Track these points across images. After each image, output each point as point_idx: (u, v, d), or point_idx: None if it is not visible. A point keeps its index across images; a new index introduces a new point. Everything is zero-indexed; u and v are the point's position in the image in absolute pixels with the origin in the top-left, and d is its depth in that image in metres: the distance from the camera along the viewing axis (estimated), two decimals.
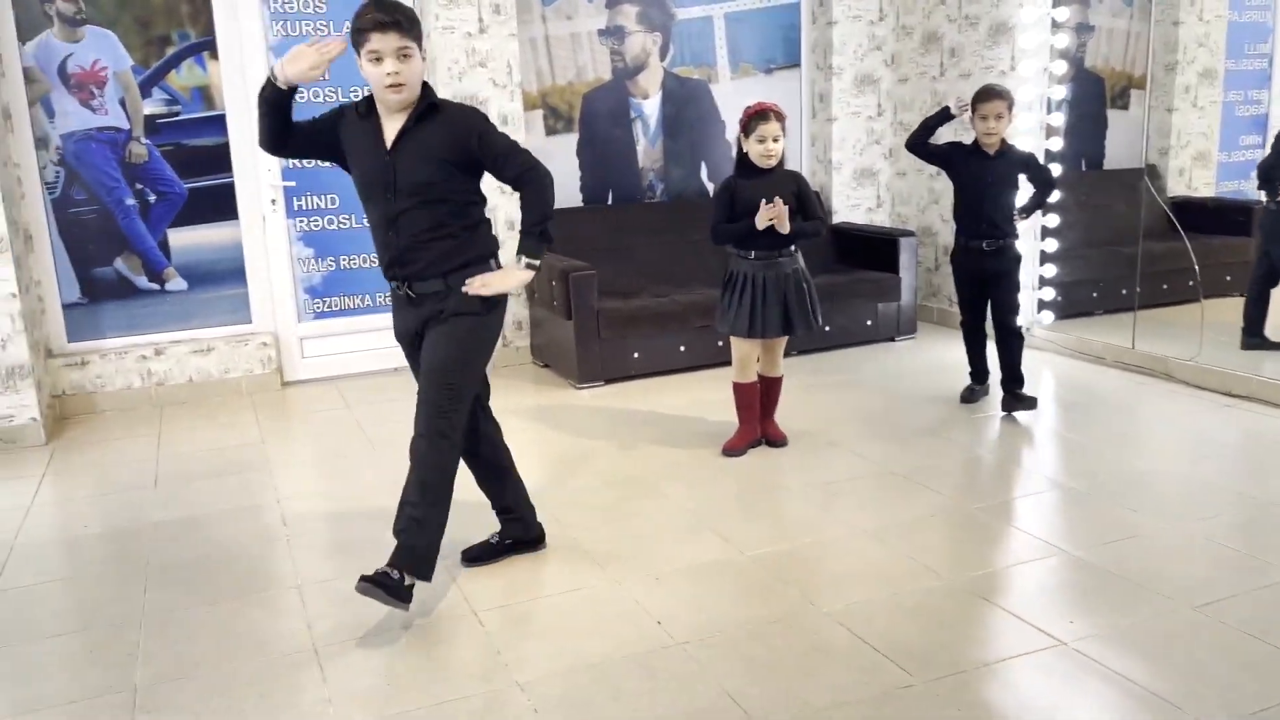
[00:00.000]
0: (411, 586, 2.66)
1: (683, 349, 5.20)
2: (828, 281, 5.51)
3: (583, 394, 4.99)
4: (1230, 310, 4.95)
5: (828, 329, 5.49)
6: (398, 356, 5.73)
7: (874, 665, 2.41)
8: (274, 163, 5.13)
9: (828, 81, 6.10)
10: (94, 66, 4.79)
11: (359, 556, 3.11)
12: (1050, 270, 5.41)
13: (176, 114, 4.97)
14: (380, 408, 4.86)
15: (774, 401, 4.10)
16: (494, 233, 2.83)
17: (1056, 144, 5.32)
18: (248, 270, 5.21)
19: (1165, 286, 5.28)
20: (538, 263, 2.69)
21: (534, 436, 4.34)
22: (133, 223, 4.97)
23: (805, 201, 3.82)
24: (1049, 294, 5.47)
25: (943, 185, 5.56)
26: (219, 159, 5.07)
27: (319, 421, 4.71)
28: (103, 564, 3.18)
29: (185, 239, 5.09)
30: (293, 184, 5.19)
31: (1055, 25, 5.22)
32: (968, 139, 4.26)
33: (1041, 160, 5.04)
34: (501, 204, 5.31)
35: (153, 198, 4.99)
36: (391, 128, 2.63)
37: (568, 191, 5.74)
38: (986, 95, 4.11)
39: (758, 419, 4.04)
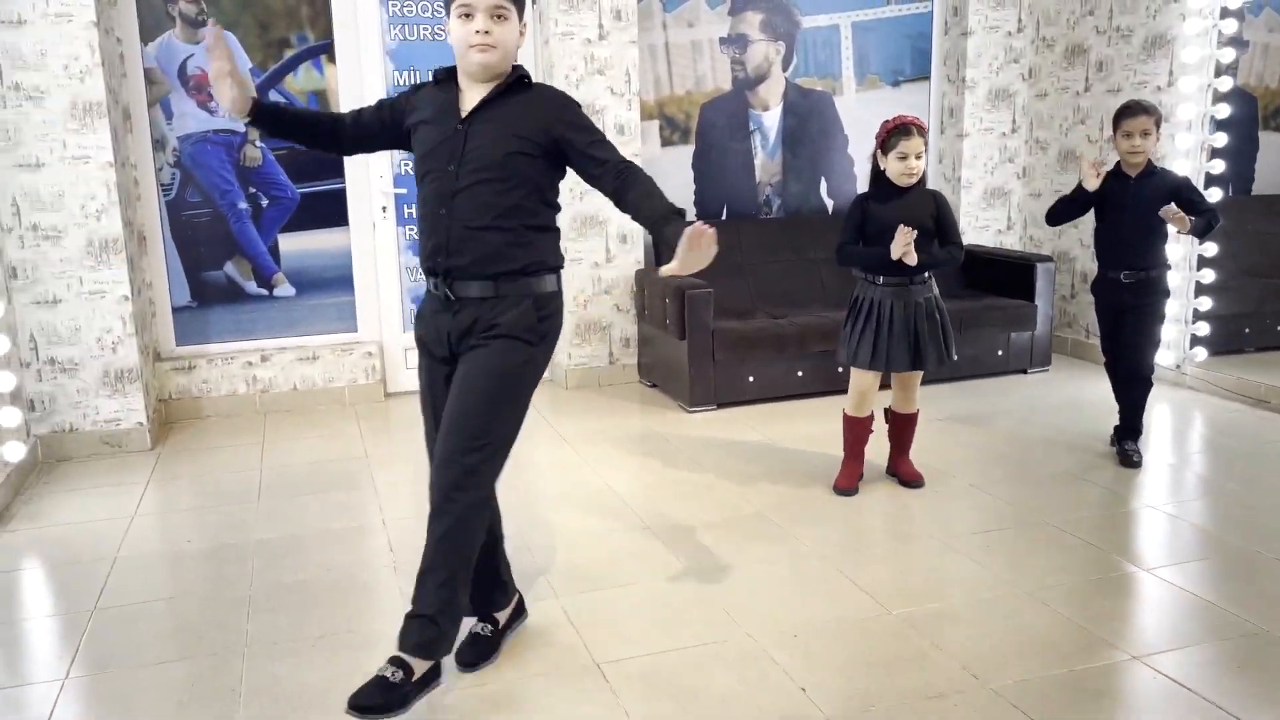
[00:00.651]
0: (422, 681, 2.25)
1: (800, 374, 4.92)
2: (956, 308, 5.15)
3: (694, 418, 4.74)
4: None
5: (955, 358, 5.16)
6: None
7: None
8: (386, 169, 5.02)
9: (959, 95, 5.76)
10: None
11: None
12: (1205, 303, 4.97)
13: None
14: None
15: (908, 439, 3.79)
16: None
17: (1218, 166, 4.88)
18: (355, 278, 5.10)
19: None
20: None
21: (643, 464, 4.10)
22: (244, 227, 4.91)
23: (944, 224, 3.52)
24: (1203, 329, 5.02)
25: None
26: (332, 164, 4.97)
27: (422, 438, 4.54)
28: (205, 584, 3.04)
29: (295, 244, 5.00)
30: (404, 191, 5.07)
31: (1221, 39, 4.80)
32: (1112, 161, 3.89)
33: (1200, 185, 4.63)
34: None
35: (265, 202, 4.92)
36: (472, 98, 2.30)
37: (680, 204, 5.49)
38: (1131, 110, 3.72)
39: (863, 455, 3.75)
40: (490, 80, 2.30)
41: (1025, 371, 5.32)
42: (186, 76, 4.71)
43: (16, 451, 3.62)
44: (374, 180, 5.02)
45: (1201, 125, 4.87)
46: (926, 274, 3.54)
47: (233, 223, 4.89)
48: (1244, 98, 5.40)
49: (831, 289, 5.31)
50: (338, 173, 4.98)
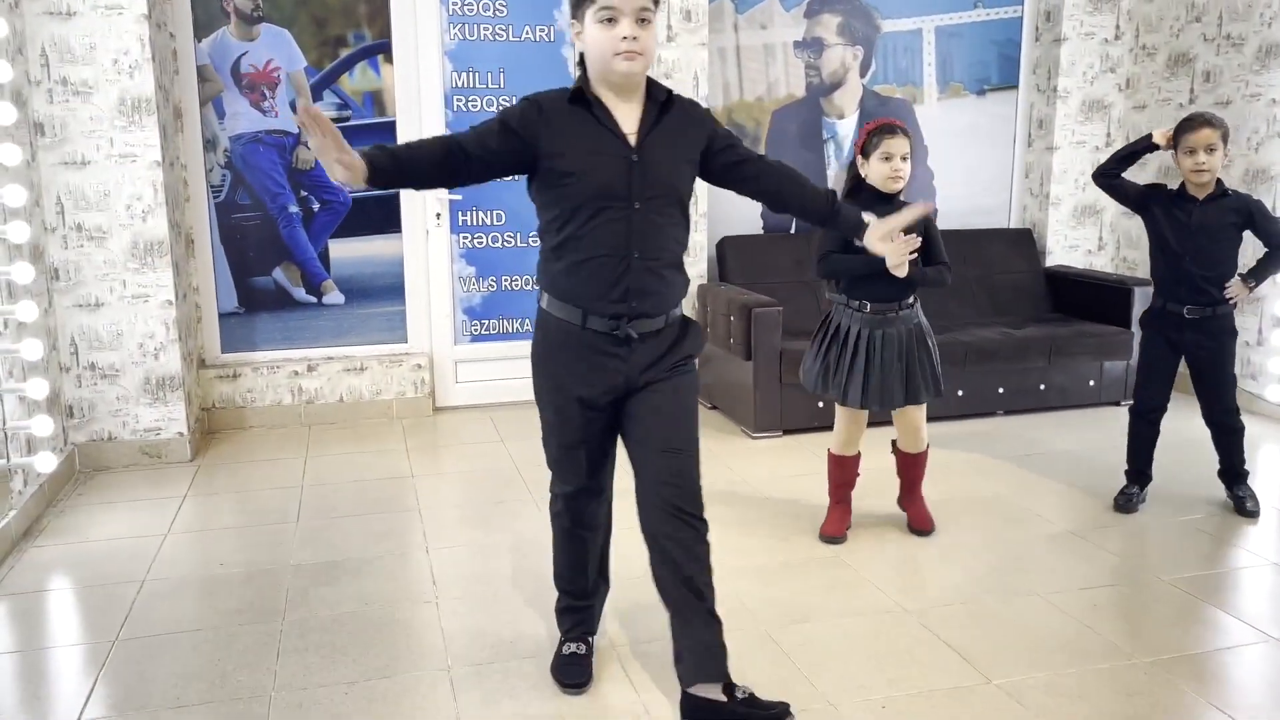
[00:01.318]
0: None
1: None
2: (1044, 333, 4.82)
3: (758, 444, 4.44)
4: None
5: (1042, 387, 4.81)
6: None
7: None
8: None
9: (1050, 106, 5.40)
10: (267, 67, 4.57)
11: (514, 636, 2.66)
12: None
13: (347, 119, 4.71)
14: (536, 445, 4.36)
15: (918, 479, 3.42)
16: None
17: None
18: (407, 287, 4.89)
19: None
20: None
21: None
22: (295, 231, 4.72)
23: (931, 241, 3.14)
24: None
25: None
26: None
27: (471, 456, 4.31)
28: (235, 615, 2.82)
29: (346, 251, 4.81)
30: (459, 198, 4.85)
31: None
32: (1174, 182, 3.48)
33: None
34: None
35: (316, 206, 4.73)
36: (628, 116, 2.09)
37: (747, 217, 5.22)
38: (1194, 123, 3.29)
39: (850, 498, 3.41)
40: (633, 93, 2.10)
41: (1119, 404, 4.92)
42: (240, 74, 4.54)
43: (48, 463, 3.46)
44: None
45: None
46: (912, 298, 3.19)
47: (283, 227, 4.71)
48: None
49: None
50: None
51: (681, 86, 4.80)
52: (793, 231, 5.33)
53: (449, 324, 4.97)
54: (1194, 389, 3.54)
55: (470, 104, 4.78)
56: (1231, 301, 3.40)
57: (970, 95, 5.49)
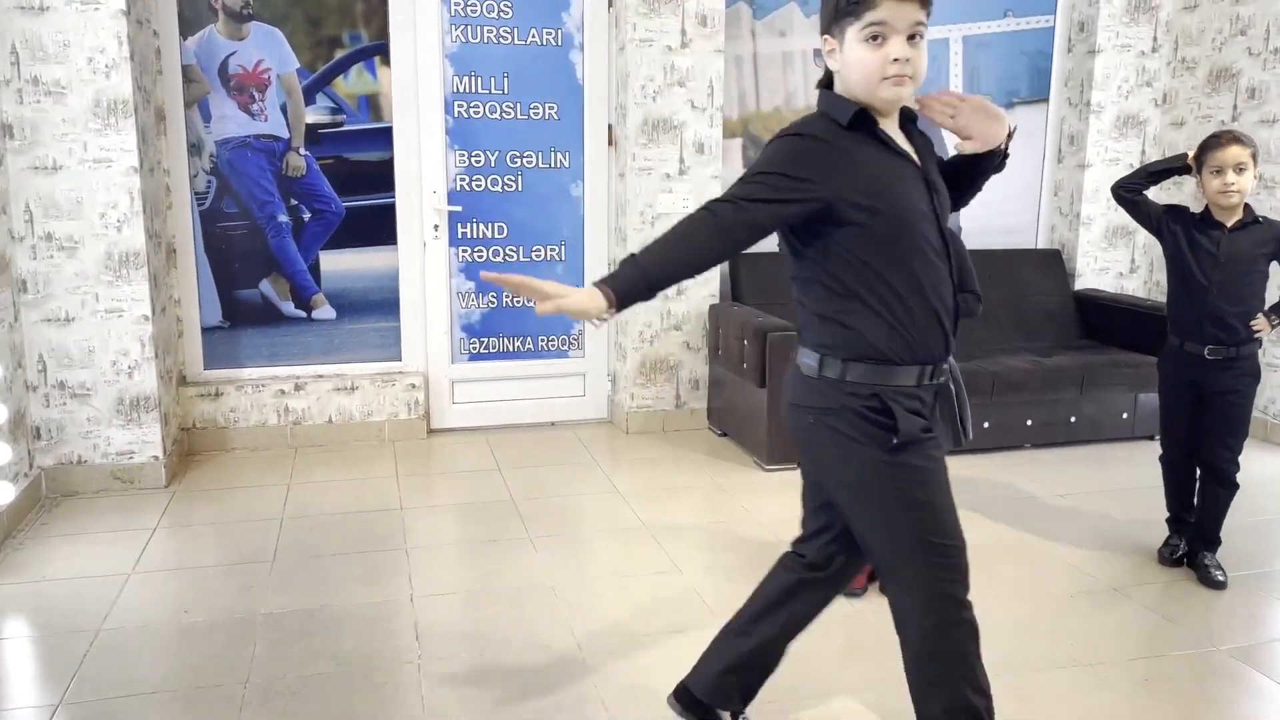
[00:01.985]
0: None
1: None
2: (1076, 362, 4.54)
3: (770, 478, 4.16)
4: None
5: (1073, 420, 4.53)
6: (554, 410, 5.16)
7: None
8: (441, 184, 4.55)
9: (1082, 121, 5.12)
10: (257, 68, 4.31)
11: (504, 708, 2.38)
12: None
13: (340, 124, 4.45)
14: (535, 474, 4.16)
15: None
16: None
17: None
18: (402, 302, 4.63)
19: None
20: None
21: (709, 530, 3.54)
22: (284, 242, 4.46)
23: (958, 267, 2.86)
24: None
25: None
26: (381, 176, 4.51)
27: (466, 486, 4.04)
28: (195, 673, 2.55)
29: (338, 263, 4.54)
30: (459, 209, 4.59)
31: None
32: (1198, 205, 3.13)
33: None
34: None
35: (307, 215, 4.47)
36: (896, 135, 1.85)
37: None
38: (1222, 141, 2.94)
39: None
40: (889, 115, 1.85)
41: (1153, 438, 4.64)
42: (228, 76, 4.28)
43: (6, 493, 3.19)
44: (427, 196, 4.54)
45: None
46: None
47: (271, 237, 4.45)
48: None
49: None
50: (387, 187, 4.52)
51: (696, 95, 4.54)
52: None
53: (446, 341, 4.70)
54: (1198, 430, 3.17)
55: (472, 109, 4.52)
56: (1258, 338, 3.08)
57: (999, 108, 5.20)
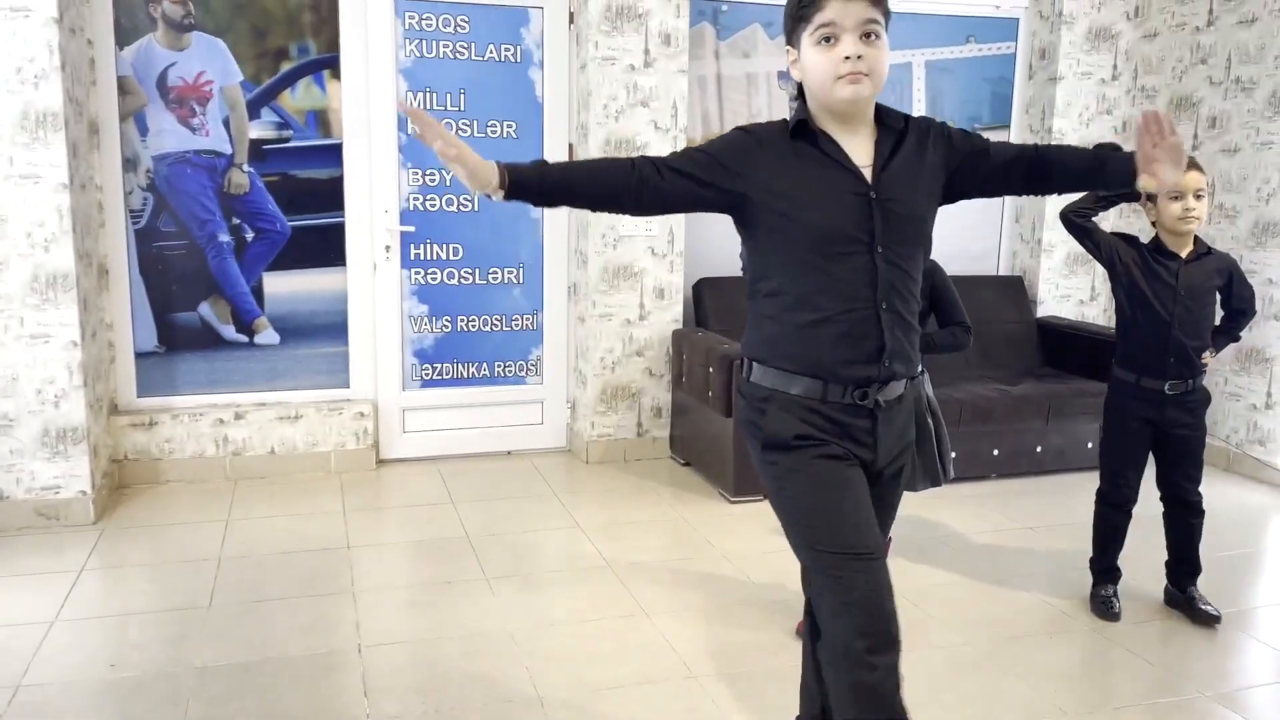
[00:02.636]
0: None
1: None
2: (1041, 390, 4.49)
3: (735, 510, 4.03)
4: None
5: (1039, 449, 4.47)
6: (511, 438, 4.97)
7: None
8: (393, 203, 4.36)
9: None
10: (198, 80, 4.10)
11: None
12: None
13: (287, 140, 4.25)
14: (491, 508, 3.98)
15: None
16: None
17: None
18: (351, 326, 4.42)
19: None
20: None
21: (675, 568, 3.39)
22: (225, 263, 4.24)
23: (942, 299, 2.77)
24: None
25: None
26: (330, 195, 4.32)
27: (417, 521, 3.85)
28: None
29: (282, 285, 4.33)
30: (412, 229, 4.41)
31: None
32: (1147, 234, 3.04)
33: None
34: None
35: (250, 235, 4.26)
36: (859, 149, 1.79)
37: (726, 258, 4.83)
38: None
39: None
40: (860, 121, 1.79)
41: None
42: (167, 88, 4.06)
43: None
44: (378, 215, 4.35)
45: None
46: (919, 368, 2.79)
47: (211, 258, 4.22)
48: None
49: None
50: (336, 205, 4.32)
51: (659, 116, 4.42)
52: None
53: (397, 367, 4.50)
54: (1158, 466, 3.09)
55: None
56: (1203, 368, 3.00)
57: None
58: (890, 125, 1.82)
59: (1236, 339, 3.18)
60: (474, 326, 4.59)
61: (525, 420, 4.75)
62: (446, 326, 4.56)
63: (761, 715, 2.50)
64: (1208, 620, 3.05)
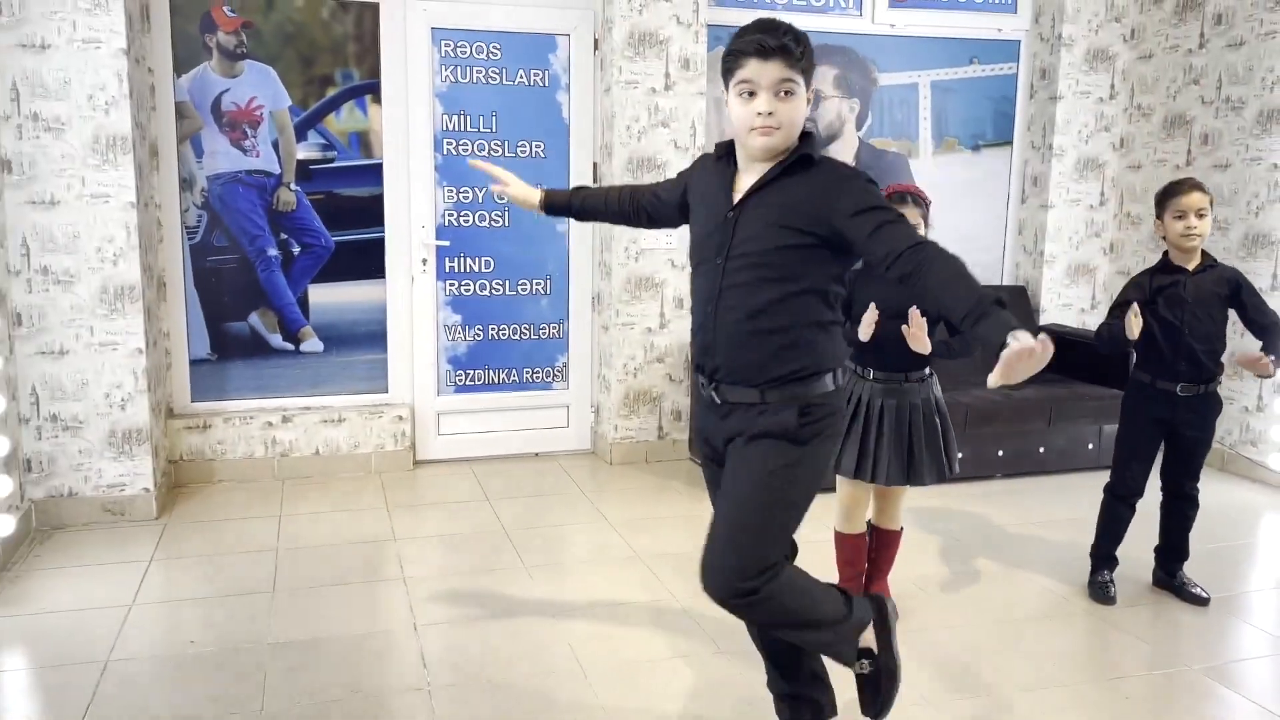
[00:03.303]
0: None
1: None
2: (1045, 394, 4.73)
3: None
4: None
5: (1041, 450, 4.71)
6: (538, 441, 5.26)
7: None
8: (430, 219, 4.64)
9: (1045, 163, 5.35)
10: (250, 104, 4.38)
11: None
12: None
13: (331, 160, 4.53)
14: (523, 505, 4.23)
15: (887, 561, 3.20)
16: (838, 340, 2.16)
17: None
18: (390, 335, 4.69)
19: None
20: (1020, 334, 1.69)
21: (697, 558, 3.62)
22: (273, 276, 4.52)
23: None
24: None
25: None
26: (371, 211, 4.59)
27: (458, 516, 4.10)
28: (211, 703, 2.59)
29: (326, 296, 4.60)
30: (447, 243, 4.68)
31: None
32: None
33: None
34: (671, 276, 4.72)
35: (297, 249, 4.53)
36: (747, 180, 2.05)
37: None
38: (1184, 187, 3.10)
39: (862, 576, 3.20)
40: (771, 159, 2.02)
41: None
42: (221, 112, 4.35)
43: (6, 526, 3.20)
44: (415, 230, 4.63)
45: None
46: (927, 370, 3.04)
47: (261, 271, 4.50)
48: None
49: None
50: (377, 221, 4.60)
51: (679, 135, 4.69)
52: None
53: (432, 374, 4.77)
54: (1164, 461, 3.34)
55: (461, 147, 4.63)
56: (1217, 374, 3.22)
57: (965, 151, 5.44)
58: (792, 164, 1.98)
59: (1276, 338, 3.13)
60: (504, 335, 4.85)
61: (552, 423, 5.00)
62: (479, 335, 4.82)
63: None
64: (1197, 601, 3.30)
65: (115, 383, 3.86)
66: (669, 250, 4.75)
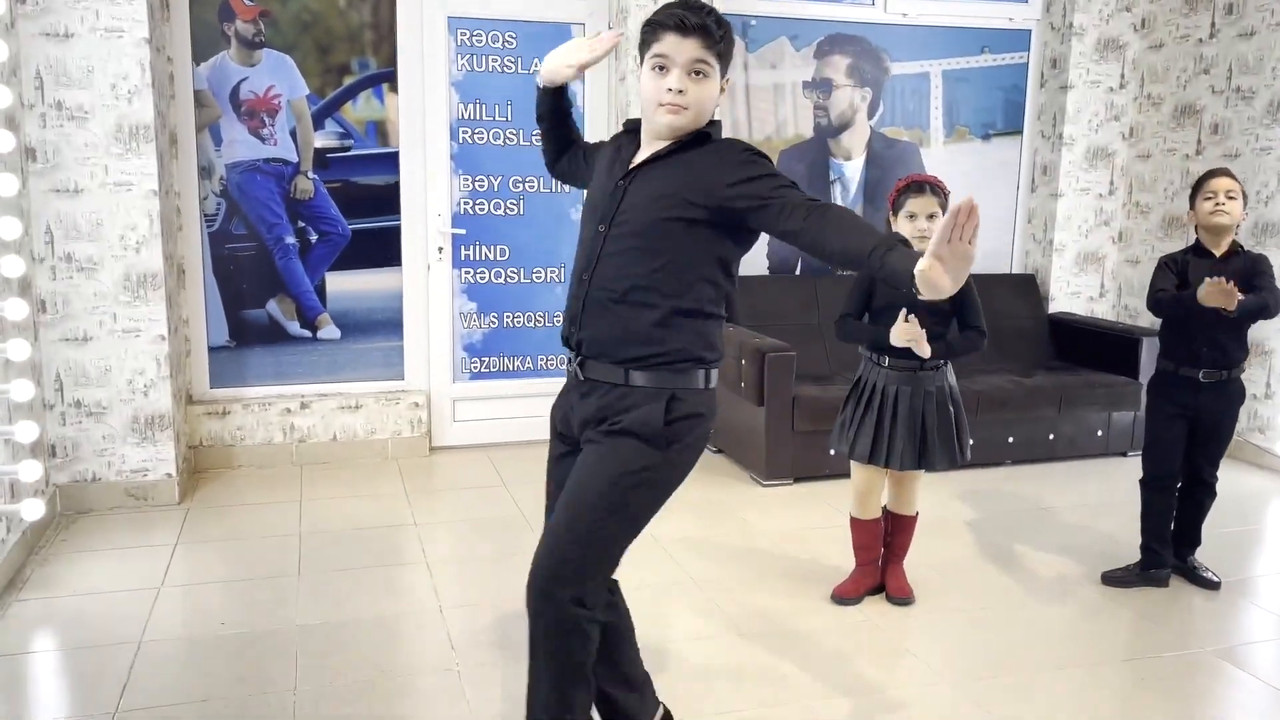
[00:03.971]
0: None
1: None
2: (1054, 382, 4.78)
3: (768, 492, 4.33)
4: None
5: (1051, 437, 4.76)
6: None
7: None
8: (445, 207, 4.67)
9: (1055, 152, 5.39)
10: (268, 93, 4.41)
11: None
12: None
13: (348, 148, 4.56)
14: (540, 490, 4.25)
15: (903, 546, 3.27)
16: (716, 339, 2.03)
17: None
18: (406, 322, 4.73)
19: None
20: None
21: (716, 543, 3.69)
22: (291, 263, 4.55)
23: (964, 303, 3.04)
24: None
25: None
26: (387, 200, 4.63)
27: (475, 502, 4.15)
28: (243, 683, 2.64)
29: (343, 284, 4.64)
30: (463, 231, 4.72)
31: None
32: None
33: None
34: None
35: (314, 237, 4.57)
36: (646, 152, 2.02)
37: (751, 257, 5.13)
38: (1215, 172, 3.17)
39: (878, 561, 3.27)
40: (673, 137, 1.98)
41: (1125, 454, 4.89)
42: (239, 101, 4.38)
43: (35, 510, 3.24)
44: (431, 219, 4.66)
45: None
46: (942, 359, 3.11)
47: (278, 258, 4.54)
48: None
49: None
50: (393, 210, 4.63)
51: None
52: (798, 273, 5.26)
53: (448, 361, 4.81)
54: (1186, 446, 3.35)
55: (476, 135, 4.66)
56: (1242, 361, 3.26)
57: (976, 140, 5.47)
58: (690, 139, 1.95)
59: (1259, 304, 3.11)
60: (519, 322, 4.89)
61: None
62: (494, 322, 4.86)
63: (805, 669, 2.80)
64: (1208, 585, 3.35)
65: (138, 369, 3.90)
66: None
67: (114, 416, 3.91)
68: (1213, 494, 3.41)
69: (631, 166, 2.01)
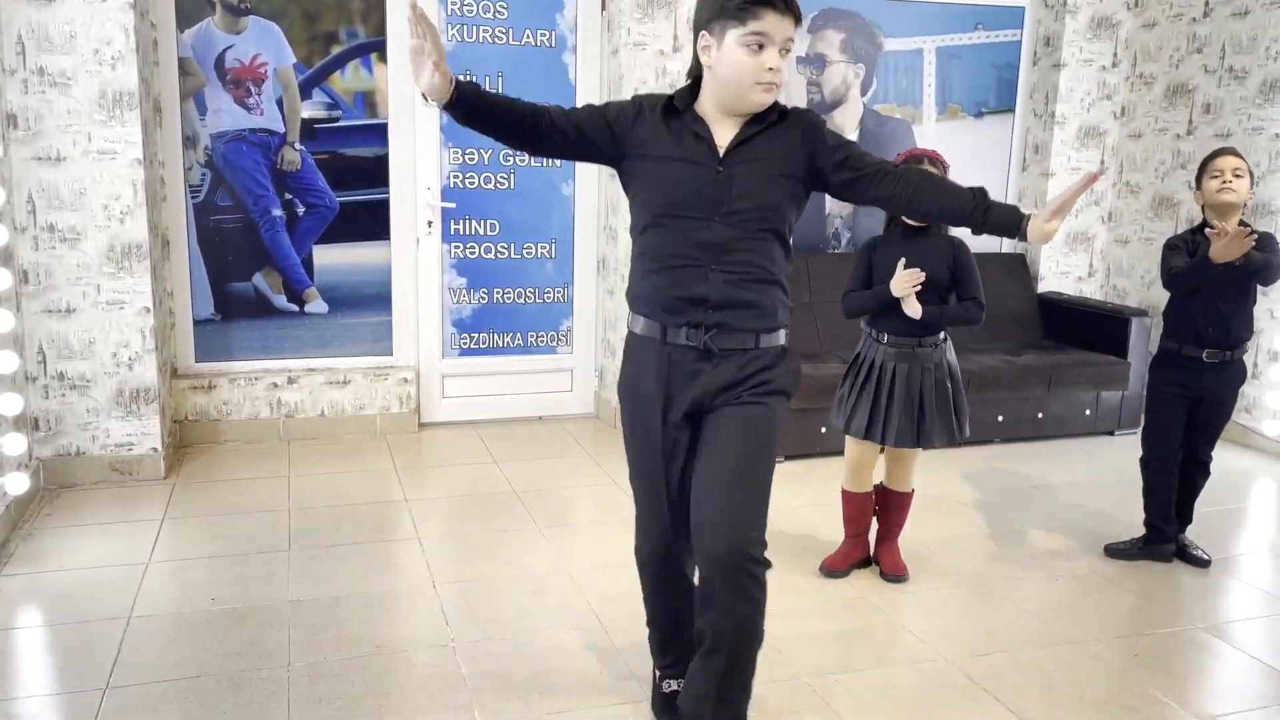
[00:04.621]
0: None
1: None
2: (1043, 361, 4.79)
3: None
4: None
5: (1040, 416, 4.78)
6: (542, 405, 5.26)
7: None
8: (435, 180, 4.61)
9: (1046, 131, 5.38)
10: (254, 62, 4.32)
11: (541, 683, 2.49)
12: None
13: (336, 119, 4.48)
14: (530, 467, 4.26)
15: (898, 523, 3.28)
16: None
17: None
18: (394, 297, 4.68)
19: None
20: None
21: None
22: (277, 236, 4.48)
23: (963, 277, 3.04)
24: None
25: None
26: (376, 172, 4.56)
27: (465, 478, 4.12)
28: (236, 658, 2.61)
29: (331, 257, 4.58)
30: (452, 205, 4.66)
31: None
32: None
33: None
34: None
35: (301, 210, 4.50)
36: (724, 133, 2.01)
37: None
38: (1222, 151, 3.18)
39: (867, 533, 3.29)
40: (744, 115, 2.01)
41: (1113, 434, 4.92)
42: (225, 69, 4.29)
43: (19, 484, 3.19)
44: (421, 192, 4.60)
45: None
46: (941, 335, 3.10)
47: (265, 231, 4.47)
48: None
49: None
50: (382, 182, 4.57)
51: None
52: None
53: (437, 336, 4.77)
54: (1185, 426, 3.37)
55: None
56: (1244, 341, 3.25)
57: (968, 117, 5.45)
58: (765, 116, 2.00)
59: (1264, 260, 3.09)
60: (509, 298, 4.85)
61: (556, 388, 5.02)
62: (484, 298, 4.81)
63: (800, 646, 2.79)
64: (1199, 563, 3.37)
65: (123, 342, 3.84)
66: None
67: (98, 390, 3.84)
68: (1207, 473, 3.43)
69: (724, 151, 2.00)
